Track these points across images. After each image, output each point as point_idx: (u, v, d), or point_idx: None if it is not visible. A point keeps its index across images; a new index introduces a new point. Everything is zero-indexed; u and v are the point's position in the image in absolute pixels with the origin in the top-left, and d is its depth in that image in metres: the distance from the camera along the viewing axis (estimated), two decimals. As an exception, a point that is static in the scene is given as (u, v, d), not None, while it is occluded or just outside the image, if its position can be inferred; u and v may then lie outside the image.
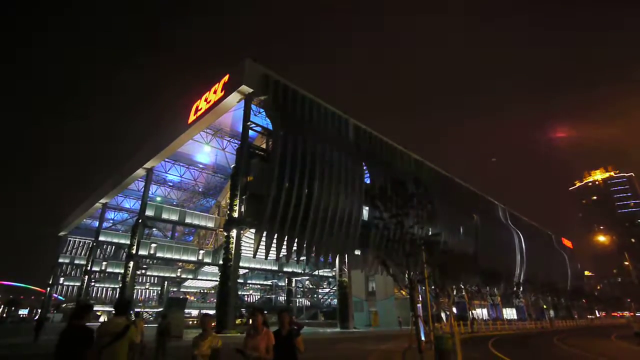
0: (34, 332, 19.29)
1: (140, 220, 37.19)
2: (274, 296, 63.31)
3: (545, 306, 64.20)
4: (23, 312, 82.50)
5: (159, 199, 50.57)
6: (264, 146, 35.15)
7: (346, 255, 30.89)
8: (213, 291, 62.62)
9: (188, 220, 40.85)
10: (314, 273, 48.89)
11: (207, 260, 42.08)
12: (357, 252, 32.84)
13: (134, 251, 35.62)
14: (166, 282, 56.19)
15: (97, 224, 53.31)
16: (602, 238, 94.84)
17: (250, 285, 65.69)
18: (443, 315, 36.56)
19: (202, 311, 55.96)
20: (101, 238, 49.25)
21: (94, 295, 62.03)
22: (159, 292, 61.15)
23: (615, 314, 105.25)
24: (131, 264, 35.49)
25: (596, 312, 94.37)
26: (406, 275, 13.73)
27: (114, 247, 57.09)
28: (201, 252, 42.33)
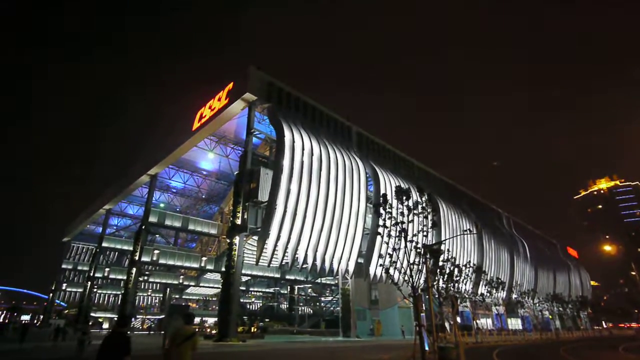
0: (19, 337, 19.71)
1: (143, 227, 37.30)
2: (276, 304, 63.01)
3: (550, 316, 63.27)
4: (25, 317, 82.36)
5: (162, 205, 50.73)
6: (267, 153, 35.32)
7: (349, 263, 30.71)
8: (215, 298, 62.39)
9: (191, 226, 40.93)
10: (316, 281, 48.62)
11: (210, 267, 42.01)
12: (360, 260, 32.68)
13: (136, 257, 35.64)
14: (168, 289, 56.09)
15: (100, 230, 53.50)
16: (608, 247, 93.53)
17: (253, 293, 65.44)
18: (447, 325, 36.14)
19: (203, 318, 55.76)
20: (104, 244, 49.32)
21: (96, 301, 61.93)
22: (161, 299, 61.00)
23: (622, 325, 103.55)
24: (134, 270, 35.47)
25: (603, 323, 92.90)
26: (410, 284, 13.66)
27: (117, 253, 57.14)
28: (204, 259, 42.29)
